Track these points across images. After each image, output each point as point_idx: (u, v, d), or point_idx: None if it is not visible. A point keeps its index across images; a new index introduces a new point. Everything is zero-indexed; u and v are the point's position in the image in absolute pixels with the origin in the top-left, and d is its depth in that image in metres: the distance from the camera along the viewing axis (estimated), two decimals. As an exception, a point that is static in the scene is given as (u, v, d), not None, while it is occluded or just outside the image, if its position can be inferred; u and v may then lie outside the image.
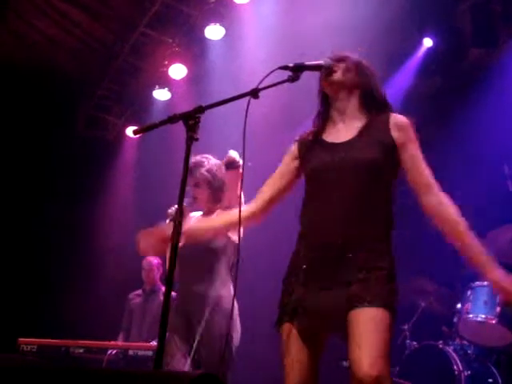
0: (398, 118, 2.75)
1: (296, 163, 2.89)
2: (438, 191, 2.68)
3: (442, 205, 2.67)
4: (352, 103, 2.83)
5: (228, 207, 3.92)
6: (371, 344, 2.41)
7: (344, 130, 2.78)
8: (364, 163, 2.64)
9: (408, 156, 2.70)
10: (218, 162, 4.08)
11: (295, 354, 2.63)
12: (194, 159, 3.97)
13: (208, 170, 4.01)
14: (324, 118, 2.90)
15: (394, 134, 2.70)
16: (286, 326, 2.66)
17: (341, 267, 2.57)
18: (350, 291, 2.53)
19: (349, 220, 2.61)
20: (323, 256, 2.62)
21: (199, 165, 4.01)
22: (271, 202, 2.92)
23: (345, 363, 5.11)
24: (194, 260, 3.92)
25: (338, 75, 2.81)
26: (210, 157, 4.09)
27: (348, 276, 2.55)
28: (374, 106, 2.81)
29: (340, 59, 2.85)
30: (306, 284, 2.64)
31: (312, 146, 2.84)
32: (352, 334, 2.47)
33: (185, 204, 3.44)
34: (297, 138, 2.96)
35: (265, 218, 2.96)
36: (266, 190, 2.93)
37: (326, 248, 2.61)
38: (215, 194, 4.05)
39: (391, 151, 2.69)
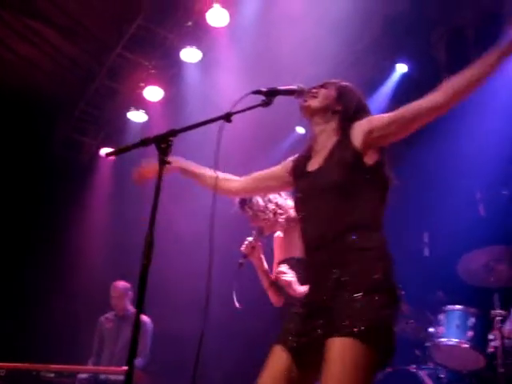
0: (355, 127, 2.73)
1: (288, 178, 2.98)
2: (425, 99, 2.63)
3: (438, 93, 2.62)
4: (329, 128, 2.84)
5: None
6: None
7: (318, 157, 2.82)
8: (329, 187, 2.66)
9: (380, 129, 2.67)
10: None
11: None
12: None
13: (265, 203, 4.05)
14: (309, 142, 2.95)
15: (356, 142, 2.68)
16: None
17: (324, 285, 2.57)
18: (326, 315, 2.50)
19: (327, 240, 2.62)
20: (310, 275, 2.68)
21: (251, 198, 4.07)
22: (253, 191, 3.15)
23: None
24: None
25: (314, 102, 2.84)
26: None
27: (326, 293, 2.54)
28: (348, 129, 2.78)
29: (322, 84, 2.89)
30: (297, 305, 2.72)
31: (298, 174, 2.91)
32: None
33: (253, 235, 3.95)
34: (292, 158, 3.03)
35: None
36: (255, 180, 3.08)
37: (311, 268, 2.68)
38: (272, 221, 4.08)
39: (355, 163, 2.66)
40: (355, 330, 2.34)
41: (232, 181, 3.10)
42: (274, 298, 4.15)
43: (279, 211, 4.08)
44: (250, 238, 4.01)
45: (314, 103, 2.84)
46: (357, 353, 2.33)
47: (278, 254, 4.18)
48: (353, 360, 2.32)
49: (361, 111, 2.83)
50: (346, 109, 2.83)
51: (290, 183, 2.99)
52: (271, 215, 4.08)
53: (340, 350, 2.34)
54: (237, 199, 4.09)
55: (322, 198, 2.67)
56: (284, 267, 3.80)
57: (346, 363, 2.32)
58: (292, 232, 4.03)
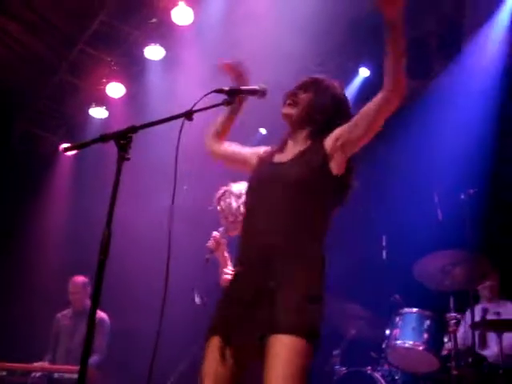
0: (330, 134, 2.77)
1: (250, 161, 3.03)
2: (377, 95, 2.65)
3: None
4: (307, 131, 2.86)
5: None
6: None
7: (287, 153, 2.84)
8: (290, 181, 2.68)
9: (344, 135, 2.72)
10: (236, 192, 4.21)
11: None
12: (221, 191, 4.22)
13: (221, 201, 4.18)
14: (282, 138, 2.97)
15: (327, 148, 2.73)
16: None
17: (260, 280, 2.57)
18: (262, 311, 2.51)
19: (270, 232, 2.63)
20: (245, 269, 2.67)
21: (223, 195, 4.19)
22: (224, 159, 3.20)
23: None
24: None
25: (295, 111, 2.85)
26: (230, 187, 4.23)
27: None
28: (323, 135, 2.80)
29: (303, 85, 2.90)
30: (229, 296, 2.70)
31: (262, 161, 2.93)
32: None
33: (220, 232, 4.02)
34: (265, 148, 3.07)
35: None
36: (230, 152, 3.17)
37: (247, 261, 2.67)
38: (229, 222, 4.15)
39: (321, 168, 2.70)
40: (295, 327, 2.43)
41: (220, 143, 3.18)
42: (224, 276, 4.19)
43: (238, 214, 4.08)
44: (216, 233, 4.08)
45: (295, 112, 2.85)
46: (297, 349, 2.42)
47: None
48: (294, 357, 2.41)
49: (339, 118, 2.83)
50: (325, 118, 2.84)
51: (245, 165, 3.06)
52: (240, 218, 3.97)
53: (281, 348, 2.41)
54: (217, 196, 4.20)
55: (278, 191, 2.69)
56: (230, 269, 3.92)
57: (288, 360, 2.40)
58: None
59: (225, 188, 4.29)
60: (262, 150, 3.06)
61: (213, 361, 2.62)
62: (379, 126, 2.68)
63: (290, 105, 2.88)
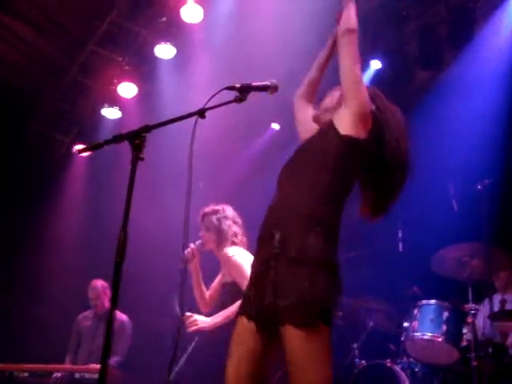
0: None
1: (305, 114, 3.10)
2: None
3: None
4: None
5: None
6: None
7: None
8: (306, 152, 2.77)
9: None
10: (232, 215, 4.62)
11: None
12: (212, 207, 4.61)
13: (218, 219, 4.54)
14: None
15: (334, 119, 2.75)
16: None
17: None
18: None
19: (282, 200, 2.69)
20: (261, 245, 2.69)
21: (215, 212, 4.55)
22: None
23: None
24: None
25: (326, 116, 2.86)
26: (227, 209, 4.63)
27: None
28: None
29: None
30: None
31: None
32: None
33: (196, 244, 4.41)
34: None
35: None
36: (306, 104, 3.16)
37: (264, 236, 2.67)
38: (220, 241, 4.50)
39: (327, 132, 2.73)
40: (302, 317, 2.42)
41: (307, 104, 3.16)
42: (203, 308, 4.61)
43: (221, 235, 4.50)
44: (193, 245, 4.45)
45: (325, 117, 2.87)
46: (312, 338, 2.41)
47: (221, 274, 4.65)
48: (311, 346, 2.42)
49: None
50: None
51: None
52: (218, 237, 4.49)
53: (296, 340, 2.42)
54: (206, 210, 4.59)
55: (293, 164, 2.78)
56: (196, 317, 4.28)
57: (306, 351, 2.41)
58: (224, 259, 4.47)
59: (219, 207, 4.60)
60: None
61: (236, 343, 2.64)
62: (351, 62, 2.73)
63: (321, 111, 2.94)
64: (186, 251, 4.35)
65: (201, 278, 4.63)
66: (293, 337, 2.42)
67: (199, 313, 4.44)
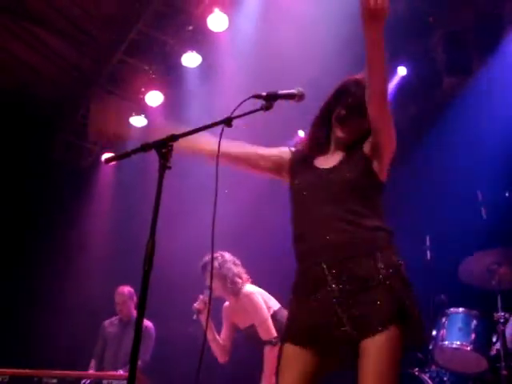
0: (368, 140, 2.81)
1: (282, 165, 3.01)
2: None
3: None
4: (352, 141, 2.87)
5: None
6: None
7: (332, 158, 2.87)
8: (342, 183, 2.72)
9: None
10: (231, 258, 4.83)
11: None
12: (210, 256, 4.68)
13: (219, 264, 4.74)
14: (319, 142, 2.95)
15: (366, 151, 2.77)
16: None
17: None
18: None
19: (333, 232, 2.65)
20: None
21: (214, 259, 4.68)
22: (244, 162, 3.07)
23: None
24: None
25: (350, 136, 2.85)
26: (225, 254, 4.84)
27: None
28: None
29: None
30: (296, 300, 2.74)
31: (301, 164, 2.93)
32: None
33: (205, 294, 4.59)
34: (292, 147, 3.06)
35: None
36: (250, 153, 3.06)
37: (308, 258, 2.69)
38: (226, 286, 4.72)
39: (367, 171, 2.74)
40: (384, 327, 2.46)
41: (231, 145, 2.97)
42: (221, 358, 4.87)
43: (233, 279, 4.73)
44: (202, 296, 4.65)
45: (350, 137, 2.85)
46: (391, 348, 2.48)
47: (230, 322, 4.91)
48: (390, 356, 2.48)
49: None
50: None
51: (279, 170, 3.02)
52: (223, 282, 4.70)
53: (376, 349, 2.47)
54: (201, 263, 4.73)
55: (331, 194, 2.72)
56: None
57: (384, 361, 2.46)
58: (243, 300, 4.72)
59: (217, 254, 4.79)
60: (287, 151, 3.06)
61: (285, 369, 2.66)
62: (385, 119, 2.68)
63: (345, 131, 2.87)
64: (195, 304, 4.64)
65: (213, 328, 4.87)
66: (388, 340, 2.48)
67: None
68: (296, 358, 2.63)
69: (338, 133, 2.86)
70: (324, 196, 2.73)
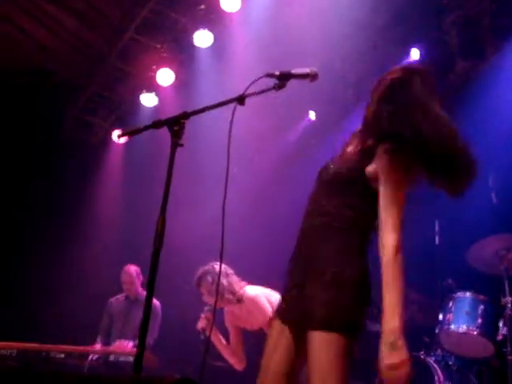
0: (381, 147, 2.61)
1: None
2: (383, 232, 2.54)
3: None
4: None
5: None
6: None
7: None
8: (330, 174, 2.71)
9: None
10: (224, 270, 4.79)
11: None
12: (201, 270, 4.80)
13: (213, 278, 4.70)
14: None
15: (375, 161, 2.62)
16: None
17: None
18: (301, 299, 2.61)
19: (310, 224, 2.69)
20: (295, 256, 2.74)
21: (206, 273, 4.73)
22: None
23: None
24: None
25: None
26: (216, 265, 4.76)
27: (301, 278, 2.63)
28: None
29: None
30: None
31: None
32: None
33: (205, 311, 4.64)
34: None
35: None
36: None
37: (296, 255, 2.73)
38: (222, 298, 4.70)
39: (360, 171, 2.64)
40: (324, 322, 2.45)
41: None
42: (238, 365, 4.89)
43: (226, 293, 4.71)
44: (203, 314, 4.68)
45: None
46: (329, 345, 2.43)
47: (236, 327, 4.92)
48: (328, 353, 2.43)
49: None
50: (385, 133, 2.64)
51: None
52: (221, 295, 4.67)
53: (314, 345, 2.46)
54: (195, 278, 4.79)
55: (320, 188, 2.75)
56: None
57: (322, 357, 2.43)
58: (247, 305, 4.74)
59: (208, 267, 4.78)
60: None
61: (269, 346, 2.71)
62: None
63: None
64: (199, 324, 4.65)
65: (223, 340, 4.89)
66: (313, 340, 2.47)
67: None
68: (278, 332, 2.70)
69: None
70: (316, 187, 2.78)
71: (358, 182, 2.62)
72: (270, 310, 4.62)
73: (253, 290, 4.77)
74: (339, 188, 2.65)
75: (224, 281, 4.71)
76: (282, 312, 2.72)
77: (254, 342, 4.94)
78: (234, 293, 4.73)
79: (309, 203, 2.76)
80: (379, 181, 2.57)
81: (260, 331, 4.73)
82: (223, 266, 4.79)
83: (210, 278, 4.70)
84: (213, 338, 4.77)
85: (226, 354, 4.88)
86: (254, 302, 4.69)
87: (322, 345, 2.43)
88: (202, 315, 4.67)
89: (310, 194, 2.80)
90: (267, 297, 4.74)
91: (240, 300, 4.74)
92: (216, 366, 5.52)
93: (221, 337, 4.88)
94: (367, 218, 2.64)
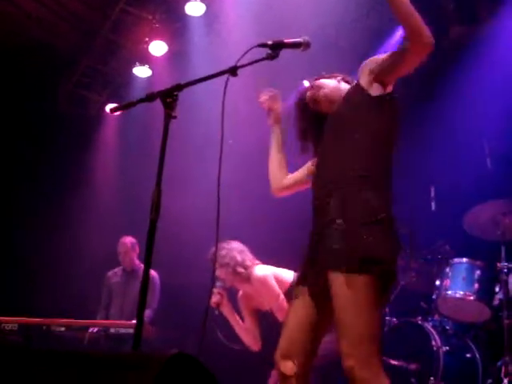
0: (359, 71, 2.86)
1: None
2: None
3: None
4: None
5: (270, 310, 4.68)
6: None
7: None
8: (334, 121, 2.83)
9: (375, 68, 2.77)
10: (238, 246, 4.79)
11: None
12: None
13: (226, 253, 4.68)
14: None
15: (363, 84, 2.80)
16: None
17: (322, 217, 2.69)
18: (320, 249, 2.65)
19: (329, 171, 2.76)
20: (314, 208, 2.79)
21: (220, 249, 4.61)
22: (291, 189, 3.29)
23: None
24: None
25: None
26: (232, 242, 4.80)
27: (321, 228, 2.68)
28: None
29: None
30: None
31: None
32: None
33: (218, 286, 4.58)
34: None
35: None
36: (293, 181, 3.28)
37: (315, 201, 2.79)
38: (234, 271, 4.65)
39: (361, 100, 2.77)
40: (349, 264, 2.48)
41: (286, 182, 3.27)
42: (254, 346, 4.80)
43: (239, 267, 4.65)
44: (215, 289, 4.61)
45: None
46: (355, 285, 2.47)
47: (250, 309, 4.85)
48: (354, 293, 2.47)
49: None
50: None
51: None
52: (233, 269, 4.65)
53: (340, 285, 2.49)
54: (208, 255, 4.54)
55: (330, 137, 2.82)
56: None
57: (349, 297, 2.48)
58: (256, 285, 4.65)
59: (223, 243, 4.70)
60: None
61: (293, 308, 2.77)
62: (407, 71, 2.72)
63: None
64: (213, 299, 4.56)
65: (237, 317, 4.82)
66: (338, 281, 2.49)
67: None
68: (300, 298, 2.74)
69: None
70: (326, 140, 2.86)
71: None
72: (277, 292, 4.56)
73: (262, 270, 4.70)
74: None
75: (238, 256, 4.70)
76: (302, 275, 2.78)
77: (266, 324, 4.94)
78: (246, 267, 4.69)
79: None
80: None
81: (270, 313, 4.69)
82: (238, 242, 4.84)
83: (223, 252, 4.68)
84: (227, 315, 4.73)
85: (241, 331, 4.81)
86: (261, 283, 4.62)
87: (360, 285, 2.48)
88: (214, 290, 4.61)
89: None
90: (278, 276, 4.66)
91: (248, 279, 4.68)
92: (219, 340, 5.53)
93: (236, 314, 4.81)
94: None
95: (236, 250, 4.75)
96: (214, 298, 4.57)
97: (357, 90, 2.81)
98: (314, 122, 3.03)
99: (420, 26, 2.53)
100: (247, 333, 4.81)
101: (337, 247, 2.52)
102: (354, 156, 2.69)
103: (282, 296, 4.53)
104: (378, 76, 2.74)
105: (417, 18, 2.54)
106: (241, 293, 4.88)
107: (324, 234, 2.61)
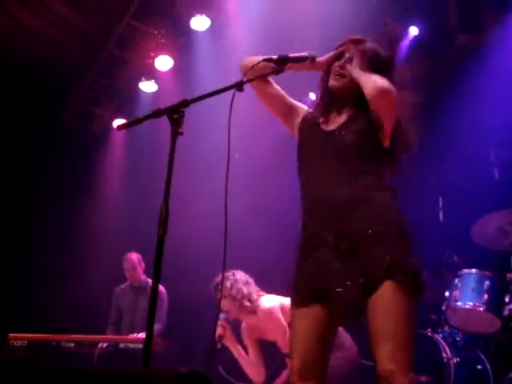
0: None
1: (293, 115, 3.03)
2: None
3: None
4: (350, 102, 2.86)
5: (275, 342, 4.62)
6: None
7: (334, 120, 2.86)
8: (342, 148, 2.73)
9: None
10: (243, 277, 4.73)
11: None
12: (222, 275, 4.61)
13: (231, 284, 4.62)
14: (325, 104, 2.94)
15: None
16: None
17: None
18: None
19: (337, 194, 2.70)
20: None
21: (225, 279, 4.57)
22: (268, 100, 3.08)
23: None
24: None
25: (342, 84, 2.84)
26: (237, 273, 4.72)
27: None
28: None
29: (350, 58, 2.85)
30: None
31: (310, 126, 2.92)
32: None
33: (222, 318, 4.51)
34: (306, 107, 3.07)
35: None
36: (277, 96, 3.06)
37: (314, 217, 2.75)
38: (240, 305, 4.60)
39: (370, 134, 2.74)
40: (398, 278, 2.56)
41: (268, 82, 3.02)
42: (257, 378, 4.73)
43: (245, 300, 4.60)
44: (219, 321, 4.54)
45: (343, 84, 2.85)
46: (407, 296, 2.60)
47: (254, 340, 4.78)
48: (406, 303, 2.61)
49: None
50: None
51: (288, 118, 3.04)
52: (239, 302, 4.60)
53: (393, 294, 2.57)
54: (213, 284, 4.58)
55: (333, 159, 2.73)
56: None
57: (401, 305, 2.60)
58: (261, 317, 4.59)
59: (228, 273, 4.64)
60: (305, 109, 3.05)
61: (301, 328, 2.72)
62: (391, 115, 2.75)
63: (338, 76, 2.85)
64: (216, 333, 4.47)
65: (241, 350, 4.76)
66: (391, 289, 2.55)
67: None
68: (305, 317, 2.70)
69: (331, 81, 2.85)
70: (324, 159, 2.76)
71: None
72: (283, 324, 4.50)
73: (268, 302, 4.64)
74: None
75: (244, 288, 4.64)
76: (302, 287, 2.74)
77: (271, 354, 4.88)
78: (251, 301, 4.63)
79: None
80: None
81: (275, 344, 4.63)
82: (244, 274, 4.78)
83: (228, 284, 4.62)
84: (230, 347, 4.69)
85: (245, 364, 4.76)
86: (267, 316, 4.57)
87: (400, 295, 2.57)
88: (219, 323, 4.54)
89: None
90: (285, 306, 4.54)
91: (255, 311, 4.63)
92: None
93: (239, 347, 4.77)
94: None
95: (242, 281, 4.69)
96: (218, 331, 4.52)
97: (366, 122, 2.81)
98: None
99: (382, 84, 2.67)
100: (251, 365, 4.75)
101: (389, 258, 2.57)
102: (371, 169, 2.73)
103: (288, 330, 4.41)
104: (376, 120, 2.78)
105: (375, 81, 2.66)
106: (244, 324, 4.82)
107: (362, 246, 2.60)
